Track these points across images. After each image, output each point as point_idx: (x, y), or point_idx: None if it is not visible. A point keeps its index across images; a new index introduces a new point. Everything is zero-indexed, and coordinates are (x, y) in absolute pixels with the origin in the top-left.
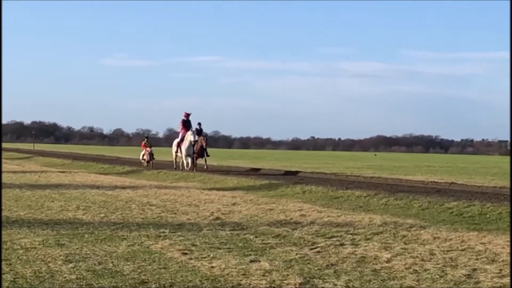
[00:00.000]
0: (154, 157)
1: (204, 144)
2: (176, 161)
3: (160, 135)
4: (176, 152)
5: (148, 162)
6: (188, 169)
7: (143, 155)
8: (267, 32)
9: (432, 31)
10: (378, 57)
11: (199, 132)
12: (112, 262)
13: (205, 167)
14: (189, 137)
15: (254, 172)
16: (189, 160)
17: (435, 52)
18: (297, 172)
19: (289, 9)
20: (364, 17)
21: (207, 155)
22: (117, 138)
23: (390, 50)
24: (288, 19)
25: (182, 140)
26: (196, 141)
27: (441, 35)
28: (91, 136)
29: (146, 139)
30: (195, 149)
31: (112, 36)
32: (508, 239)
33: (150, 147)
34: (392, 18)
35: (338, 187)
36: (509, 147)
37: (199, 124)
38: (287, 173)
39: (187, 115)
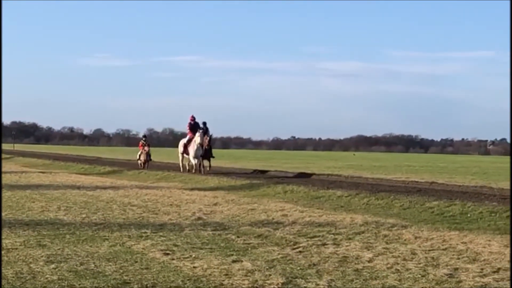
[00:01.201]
0: (152, 157)
1: (206, 145)
2: (182, 164)
3: (141, 135)
4: (182, 153)
5: (144, 162)
6: (194, 171)
7: (140, 155)
8: (249, 32)
9: (413, 30)
10: (359, 57)
11: (204, 132)
12: (94, 263)
13: (208, 169)
14: (197, 139)
15: (261, 174)
16: (196, 162)
17: (416, 52)
18: (311, 174)
19: (271, 9)
20: (346, 16)
21: (212, 156)
22: (98, 138)
23: (371, 49)
24: (270, 19)
25: (189, 141)
26: (202, 143)
27: (422, 34)
28: (71, 136)
29: (144, 139)
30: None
31: (93, 36)
32: (489, 238)
33: (148, 146)
34: (374, 17)
35: (319, 187)
36: (489, 146)
37: (204, 123)
38: (300, 175)
39: (193, 118)
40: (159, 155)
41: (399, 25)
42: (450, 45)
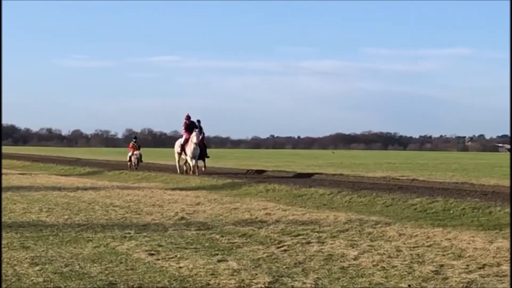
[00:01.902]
0: (143, 159)
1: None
2: (179, 165)
3: (119, 135)
4: (180, 153)
5: (135, 164)
6: (191, 172)
7: (130, 157)
8: (226, 32)
9: (390, 28)
10: (337, 55)
11: (200, 131)
12: (79, 264)
13: (203, 169)
14: (193, 138)
15: (258, 175)
16: (194, 162)
17: (393, 50)
18: (311, 174)
19: (248, 9)
20: (323, 15)
21: (207, 156)
22: (76, 139)
23: (349, 48)
24: (246, 19)
25: (186, 141)
26: (198, 143)
27: (399, 32)
28: (49, 137)
29: (134, 140)
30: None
31: (69, 37)
32: (473, 234)
33: (139, 148)
34: (351, 16)
35: (301, 185)
36: (467, 143)
37: (198, 121)
38: (301, 175)
39: (189, 117)
40: None
41: (376, 23)
42: (427, 43)
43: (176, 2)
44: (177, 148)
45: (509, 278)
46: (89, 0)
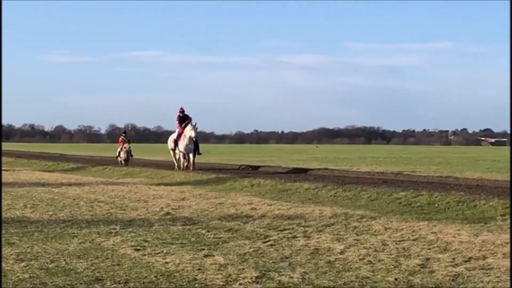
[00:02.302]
0: (132, 154)
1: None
2: (176, 160)
3: (103, 131)
4: (174, 149)
5: (125, 160)
6: (183, 167)
7: (120, 152)
8: (208, 26)
9: (372, 23)
10: (319, 50)
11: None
12: (65, 260)
13: (191, 167)
14: (189, 132)
15: (254, 170)
16: (187, 158)
17: (376, 44)
18: (306, 170)
19: (230, 3)
20: (305, 10)
21: (199, 153)
22: (59, 135)
23: (332, 42)
24: (228, 13)
25: (179, 136)
26: (196, 136)
27: (381, 26)
28: (32, 133)
29: (124, 134)
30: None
31: (50, 33)
32: (458, 228)
33: (128, 143)
34: (333, 11)
35: (286, 179)
36: (450, 137)
37: (183, 110)
38: (297, 171)
39: (182, 110)
40: None
41: (358, 17)
42: (409, 37)
43: None
44: (170, 143)
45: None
46: None
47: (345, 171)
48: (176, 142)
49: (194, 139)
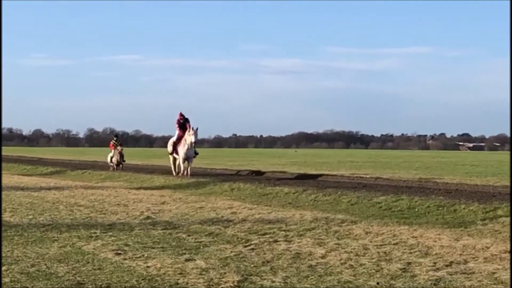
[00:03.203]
0: (125, 158)
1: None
2: (175, 165)
3: (81, 135)
4: (172, 154)
5: (117, 164)
6: (184, 174)
7: (112, 157)
8: (187, 30)
9: (351, 27)
10: (299, 54)
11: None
12: (45, 264)
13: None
14: (189, 138)
15: (258, 176)
16: (186, 164)
17: (354, 48)
18: (317, 175)
19: (209, 7)
20: (284, 14)
21: (196, 153)
22: (37, 139)
23: (312, 46)
24: (208, 17)
25: (179, 140)
26: (196, 142)
27: (360, 31)
28: (10, 137)
29: (115, 138)
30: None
31: (28, 36)
32: (439, 232)
33: (121, 146)
34: (313, 15)
35: (266, 184)
36: (428, 141)
37: (182, 115)
38: (305, 177)
39: (182, 115)
40: (100, 154)
41: (337, 22)
42: (387, 41)
43: (136, 2)
44: (169, 147)
45: None
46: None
47: (324, 175)
48: (175, 146)
49: (193, 144)
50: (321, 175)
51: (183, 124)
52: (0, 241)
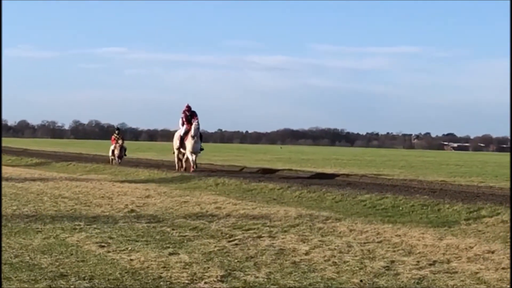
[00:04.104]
0: (127, 152)
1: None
2: (178, 159)
3: (66, 127)
4: (178, 148)
5: (119, 157)
6: (192, 169)
7: (113, 150)
8: (174, 24)
9: (339, 25)
10: (285, 51)
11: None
12: (29, 255)
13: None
14: (191, 131)
15: (270, 174)
16: (194, 157)
17: (341, 46)
18: (334, 175)
19: (195, 2)
20: (271, 10)
21: (201, 149)
22: (22, 130)
23: (298, 44)
24: (195, 12)
25: (186, 133)
26: (196, 135)
27: (347, 29)
28: None
29: (117, 132)
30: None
31: (14, 26)
32: (422, 231)
33: (122, 140)
34: (300, 12)
35: (250, 179)
36: (413, 140)
37: (189, 108)
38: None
39: (189, 107)
40: (86, 147)
41: (324, 19)
42: (374, 40)
43: None
44: (176, 142)
45: (510, 277)
46: None
47: (309, 172)
48: (182, 141)
49: (194, 138)
50: (339, 175)
51: (190, 117)
52: (0, 235)
